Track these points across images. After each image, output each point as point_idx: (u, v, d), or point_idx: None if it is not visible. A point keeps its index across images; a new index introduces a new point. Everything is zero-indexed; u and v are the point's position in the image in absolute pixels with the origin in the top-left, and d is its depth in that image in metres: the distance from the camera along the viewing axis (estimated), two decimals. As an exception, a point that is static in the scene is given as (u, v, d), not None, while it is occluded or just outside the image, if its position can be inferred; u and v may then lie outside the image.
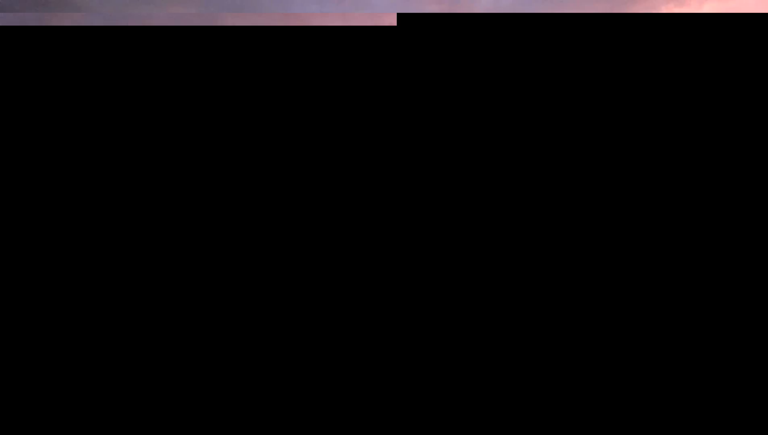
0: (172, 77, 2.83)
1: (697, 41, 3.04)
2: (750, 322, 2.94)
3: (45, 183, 2.84)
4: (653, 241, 3.22)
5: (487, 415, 2.11)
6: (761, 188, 2.86)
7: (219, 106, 2.87)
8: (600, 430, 2.06)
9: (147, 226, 2.85)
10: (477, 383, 2.35)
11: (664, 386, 2.31)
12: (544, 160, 2.92)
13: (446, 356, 2.63)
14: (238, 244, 3.11)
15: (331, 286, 3.14)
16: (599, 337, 2.83)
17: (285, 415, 2.12)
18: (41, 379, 2.35)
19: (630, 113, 2.98)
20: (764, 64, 2.87)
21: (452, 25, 2.84)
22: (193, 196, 2.87)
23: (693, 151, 3.05)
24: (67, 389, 2.28)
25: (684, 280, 3.25)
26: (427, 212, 2.92)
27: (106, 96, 2.90)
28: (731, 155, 3.01)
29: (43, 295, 3.20)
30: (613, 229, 3.18)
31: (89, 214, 2.83)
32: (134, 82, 2.90)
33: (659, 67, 3.03)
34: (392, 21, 2.75)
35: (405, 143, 2.80)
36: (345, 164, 2.86)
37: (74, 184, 2.84)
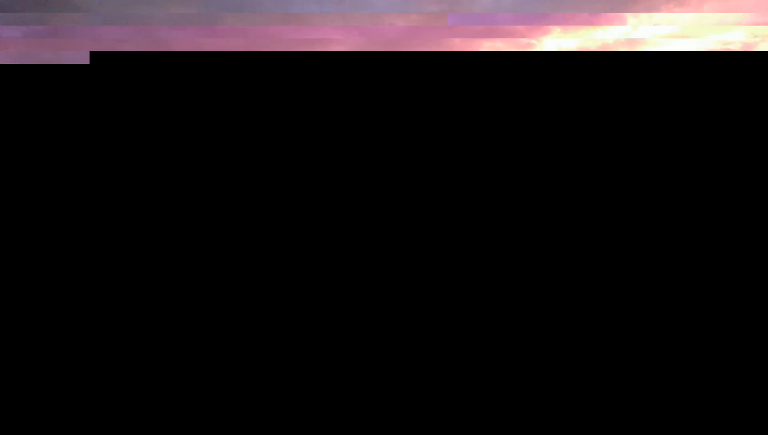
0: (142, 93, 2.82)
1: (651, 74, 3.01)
2: (749, 321, 2.93)
3: (45, 182, 2.85)
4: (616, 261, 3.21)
5: (487, 415, 2.11)
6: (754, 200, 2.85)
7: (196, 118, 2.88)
8: (600, 430, 2.06)
9: (148, 230, 2.85)
10: (477, 383, 2.35)
11: (664, 386, 2.30)
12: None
13: (446, 356, 2.62)
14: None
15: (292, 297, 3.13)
16: (598, 337, 2.82)
17: (285, 415, 2.12)
18: (41, 378, 2.36)
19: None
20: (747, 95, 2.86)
21: (144, 64, 2.87)
22: (182, 194, 2.86)
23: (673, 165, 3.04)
24: (67, 389, 2.28)
25: (676, 286, 3.24)
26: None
27: (106, 100, 2.90)
28: (724, 164, 2.99)
29: (44, 296, 3.19)
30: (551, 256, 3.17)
31: (89, 214, 2.84)
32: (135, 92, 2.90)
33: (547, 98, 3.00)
34: (393, 21, 2.75)
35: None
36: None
37: (75, 185, 2.85)
